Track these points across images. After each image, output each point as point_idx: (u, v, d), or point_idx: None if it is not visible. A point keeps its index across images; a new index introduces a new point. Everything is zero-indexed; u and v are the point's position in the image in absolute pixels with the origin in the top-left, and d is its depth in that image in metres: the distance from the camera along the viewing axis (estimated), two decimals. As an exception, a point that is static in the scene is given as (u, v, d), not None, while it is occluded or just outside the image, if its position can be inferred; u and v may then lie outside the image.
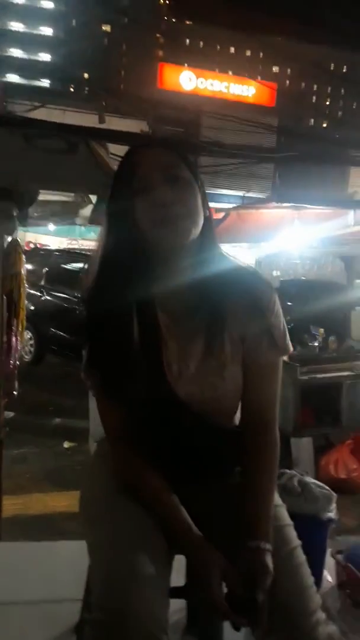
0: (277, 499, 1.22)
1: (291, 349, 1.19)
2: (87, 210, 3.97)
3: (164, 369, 1.12)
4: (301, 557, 1.12)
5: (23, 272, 3.24)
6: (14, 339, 2.94)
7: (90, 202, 3.88)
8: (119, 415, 1.16)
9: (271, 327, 1.15)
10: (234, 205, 5.16)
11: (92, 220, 4.01)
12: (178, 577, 1.32)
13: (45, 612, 1.81)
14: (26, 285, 8.70)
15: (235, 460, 1.20)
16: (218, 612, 1.02)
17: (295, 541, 1.15)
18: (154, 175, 1.10)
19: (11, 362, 2.83)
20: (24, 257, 3.21)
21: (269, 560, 1.05)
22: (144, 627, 0.95)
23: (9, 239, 3.05)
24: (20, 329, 3.09)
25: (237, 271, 1.18)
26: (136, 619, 0.95)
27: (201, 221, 1.13)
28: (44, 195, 3.63)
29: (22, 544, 2.30)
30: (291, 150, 5.55)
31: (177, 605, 1.72)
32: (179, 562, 1.16)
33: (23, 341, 3.49)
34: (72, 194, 3.72)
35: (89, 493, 1.24)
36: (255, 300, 1.15)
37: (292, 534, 1.16)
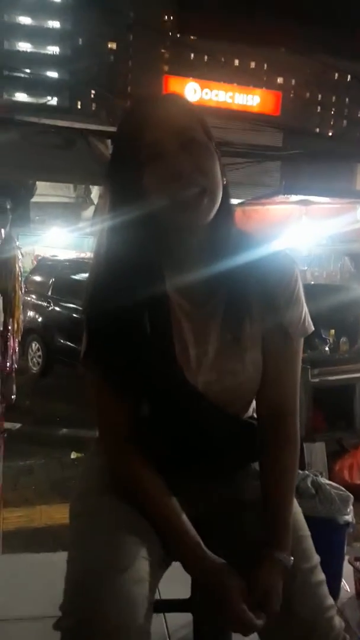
0: (294, 503, 1.10)
1: (312, 328, 1.09)
2: (89, 212, 3.91)
3: (175, 356, 1.00)
4: (322, 575, 1.02)
5: (18, 268, 3.15)
6: (10, 339, 2.84)
7: (92, 203, 3.82)
8: (120, 410, 1.02)
9: (290, 312, 1.04)
10: (239, 201, 5.02)
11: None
12: (184, 588, 1.22)
13: (49, 628, 1.69)
14: (33, 296, 8.58)
15: (251, 454, 1.10)
16: (237, 628, 0.93)
17: (316, 556, 1.04)
18: (167, 140, 0.92)
19: (8, 364, 2.73)
20: (19, 253, 3.12)
21: (281, 578, 0.95)
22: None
23: (3, 235, 2.99)
24: (16, 329, 3.00)
25: (258, 249, 1.05)
26: (106, 630, 0.84)
27: (220, 194, 0.97)
28: (44, 197, 3.59)
29: (23, 556, 2.19)
30: (298, 149, 5.47)
31: (182, 620, 1.61)
32: (183, 573, 1.03)
33: (19, 339, 3.41)
34: (74, 196, 3.67)
35: (78, 490, 1.11)
36: (274, 282, 1.03)
37: (312, 546, 1.05)
